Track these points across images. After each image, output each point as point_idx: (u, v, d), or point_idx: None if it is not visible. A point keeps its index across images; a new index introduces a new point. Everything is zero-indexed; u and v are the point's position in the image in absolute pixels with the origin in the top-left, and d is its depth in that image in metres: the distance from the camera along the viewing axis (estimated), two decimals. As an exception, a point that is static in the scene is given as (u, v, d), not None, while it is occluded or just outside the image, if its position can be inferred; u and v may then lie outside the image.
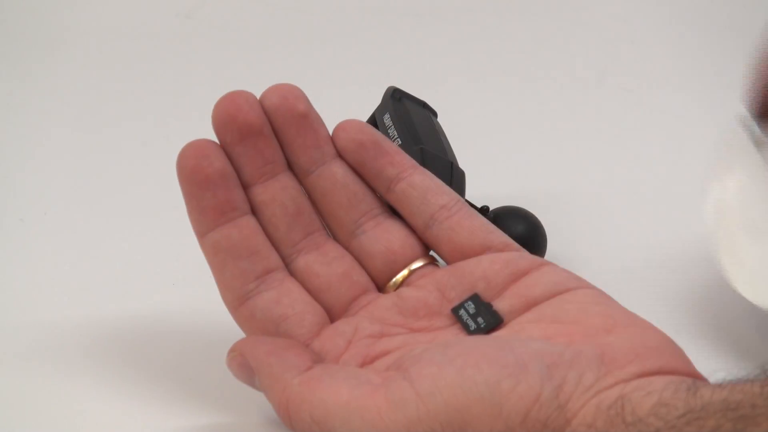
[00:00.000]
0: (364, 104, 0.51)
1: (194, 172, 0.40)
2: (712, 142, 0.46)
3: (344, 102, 0.48)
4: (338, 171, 0.42)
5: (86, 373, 0.44)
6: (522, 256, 0.41)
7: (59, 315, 0.48)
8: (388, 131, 0.48)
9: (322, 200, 0.43)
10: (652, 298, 0.48)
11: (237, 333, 0.40)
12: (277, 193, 0.42)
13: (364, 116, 0.49)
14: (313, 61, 0.76)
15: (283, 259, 0.42)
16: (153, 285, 0.51)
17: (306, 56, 0.76)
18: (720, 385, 0.30)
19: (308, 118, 0.42)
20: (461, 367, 0.34)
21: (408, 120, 0.48)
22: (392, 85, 0.51)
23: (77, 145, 0.66)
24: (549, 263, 0.41)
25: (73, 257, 0.54)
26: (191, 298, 0.49)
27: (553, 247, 0.50)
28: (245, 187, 0.41)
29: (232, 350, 0.39)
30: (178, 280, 0.51)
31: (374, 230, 0.43)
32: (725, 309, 0.48)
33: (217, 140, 0.41)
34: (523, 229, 0.48)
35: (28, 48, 0.78)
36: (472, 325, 0.39)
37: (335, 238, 0.43)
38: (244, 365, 0.38)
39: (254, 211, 0.41)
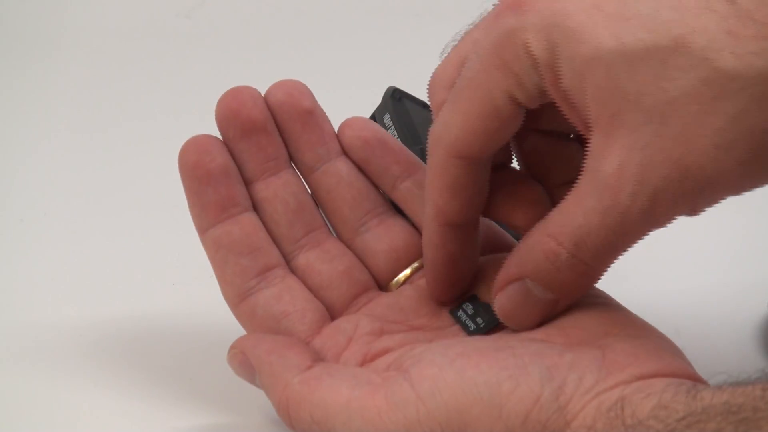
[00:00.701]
0: (364, 104, 0.51)
1: (196, 167, 0.40)
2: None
3: (344, 102, 0.48)
4: (343, 168, 0.42)
5: (86, 373, 0.44)
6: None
7: (59, 315, 0.48)
8: (388, 131, 0.48)
9: (326, 197, 0.43)
10: (651, 298, 0.48)
11: (237, 333, 0.40)
12: (279, 189, 0.42)
13: (365, 116, 0.49)
14: (313, 61, 0.76)
15: (285, 256, 0.42)
16: (153, 285, 0.51)
17: (306, 56, 0.76)
18: (720, 388, 0.30)
19: (313, 114, 0.42)
20: (461, 368, 0.34)
21: (408, 120, 0.48)
22: (392, 85, 0.51)
23: (77, 145, 0.66)
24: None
25: (73, 257, 0.54)
26: (191, 298, 0.49)
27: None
28: (247, 183, 0.41)
29: (233, 347, 0.39)
30: (178, 280, 0.51)
31: (378, 228, 0.42)
32: (726, 310, 0.48)
33: (219, 136, 0.41)
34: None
35: (28, 48, 0.78)
36: (471, 326, 0.39)
37: (338, 235, 0.43)
38: (244, 363, 0.38)
39: (256, 208, 0.41)
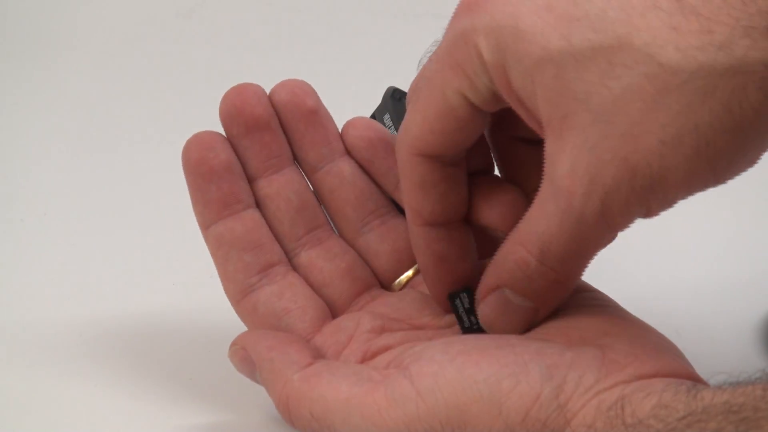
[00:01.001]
0: (364, 104, 0.51)
1: (199, 163, 0.40)
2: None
3: (344, 102, 0.48)
4: (346, 168, 0.42)
5: (86, 372, 0.44)
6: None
7: (59, 315, 0.48)
8: (389, 131, 0.48)
9: (329, 197, 0.43)
10: (651, 298, 0.48)
11: (237, 332, 0.40)
12: (282, 187, 0.42)
13: (365, 116, 0.49)
14: (313, 60, 0.76)
15: (287, 253, 0.42)
16: (153, 285, 0.51)
17: (306, 56, 0.76)
18: (721, 388, 0.30)
19: (317, 114, 0.42)
20: (462, 365, 0.34)
21: (408, 120, 0.48)
22: (392, 85, 0.51)
23: (77, 145, 0.66)
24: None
25: (74, 257, 0.54)
26: (191, 298, 0.49)
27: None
28: (250, 180, 0.41)
29: (234, 344, 0.39)
30: (178, 280, 0.51)
31: (381, 229, 0.43)
32: (726, 310, 0.48)
33: (223, 132, 0.41)
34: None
35: (28, 48, 0.78)
36: (466, 323, 0.39)
37: (341, 235, 0.43)
38: (245, 359, 0.38)
39: (259, 205, 0.42)
